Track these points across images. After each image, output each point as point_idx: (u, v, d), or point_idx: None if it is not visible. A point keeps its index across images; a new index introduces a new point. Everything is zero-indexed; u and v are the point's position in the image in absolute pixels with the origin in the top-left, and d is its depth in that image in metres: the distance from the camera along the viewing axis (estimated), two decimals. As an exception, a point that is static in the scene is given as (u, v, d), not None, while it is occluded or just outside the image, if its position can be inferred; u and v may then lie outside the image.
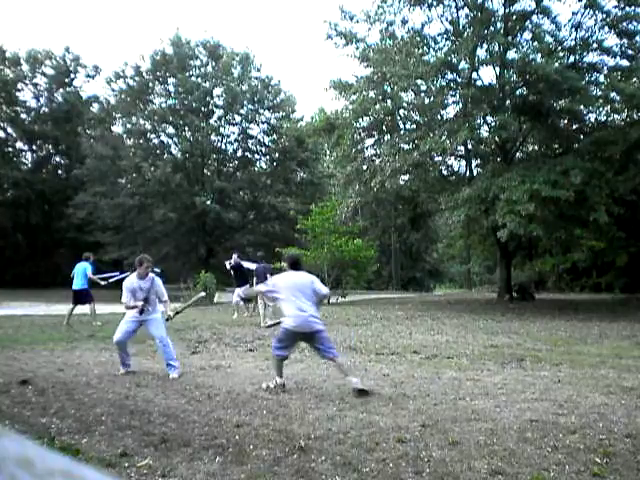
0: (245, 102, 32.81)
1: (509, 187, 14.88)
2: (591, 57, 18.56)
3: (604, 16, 17.49)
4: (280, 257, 18.61)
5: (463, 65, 17.99)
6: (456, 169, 22.31)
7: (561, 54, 18.40)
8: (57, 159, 40.53)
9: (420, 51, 18.47)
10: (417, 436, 4.29)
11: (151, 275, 6.87)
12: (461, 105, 18.30)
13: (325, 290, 6.19)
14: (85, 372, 6.81)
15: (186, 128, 32.49)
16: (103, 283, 13.12)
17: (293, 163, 33.64)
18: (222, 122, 33.87)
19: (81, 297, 12.73)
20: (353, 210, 20.75)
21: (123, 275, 7.23)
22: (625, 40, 17.81)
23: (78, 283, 12.67)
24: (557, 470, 3.60)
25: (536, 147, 21.44)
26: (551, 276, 31.81)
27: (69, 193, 34.59)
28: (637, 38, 17.79)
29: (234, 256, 14.72)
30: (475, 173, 20.04)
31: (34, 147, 38.88)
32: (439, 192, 19.56)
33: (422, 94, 18.81)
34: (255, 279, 13.43)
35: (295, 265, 6.20)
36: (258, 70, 33.80)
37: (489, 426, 4.52)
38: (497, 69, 18.45)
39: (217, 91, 33.10)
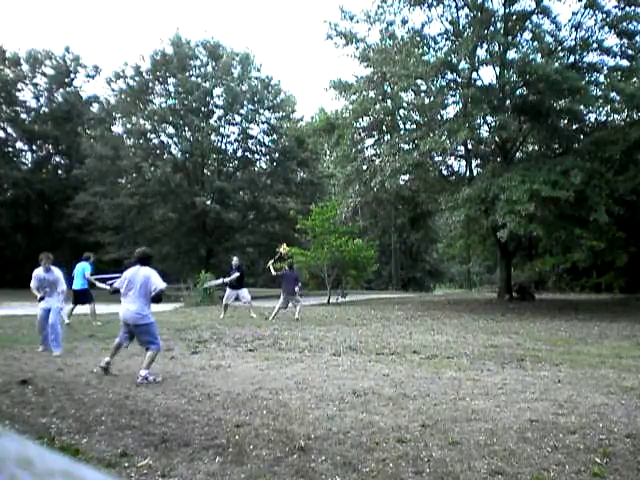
0: (245, 102, 32.76)
1: (509, 187, 14.88)
2: (591, 57, 18.59)
3: (604, 16, 17.49)
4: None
5: (463, 65, 17.98)
6: (456, 169, 22.33)
7: (561, 54, 18.41)
8: (57, 159, 40.51)
9: (420, 51, 18.46)
10: (417, 436, 4.29)
11: (53, 269, 8.37)
12: (461, 105, 18.29)
13: (160, 285, 6.38)
14: (85, 372, 6.81)
15: (186, 128, 32.45)
16: (101, 285, 12.89)
17: (293, 163, 33.60)
18: (222, 122, 33.82)
19: (81, 297, 12.74)
20: (353, 210, 20.77)
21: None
22: (625, 40, 17.82)
23: (78, 283, 12.67)
24: (557, 470, 3.60)
25: (536, 147, 21.44)
26: (551, 276, 31.80)
27: (69, 193, 34.56)
28: (637, 38, 17.80)
29: (235, 259, 15.52)
30: (475, 173, 20.04)
31: (34, 147, 38.86)
32: (439, 192, 19.55)
33: (422, 94, 18.80)
34: (283, 283, 14.59)
35: (141, 261, 6.49)
36: (258, 70, 33.77)
37: (489, 426, 4.52)
38: (497, 69, 18.45)
39: (217, 91, 33.07)
